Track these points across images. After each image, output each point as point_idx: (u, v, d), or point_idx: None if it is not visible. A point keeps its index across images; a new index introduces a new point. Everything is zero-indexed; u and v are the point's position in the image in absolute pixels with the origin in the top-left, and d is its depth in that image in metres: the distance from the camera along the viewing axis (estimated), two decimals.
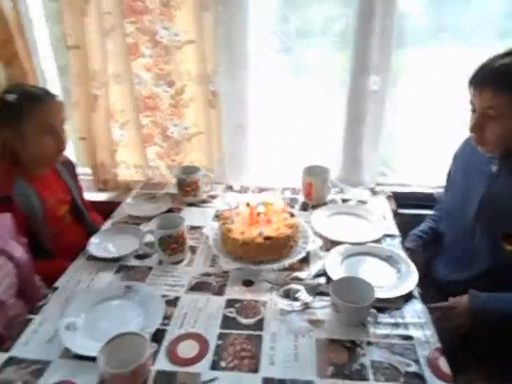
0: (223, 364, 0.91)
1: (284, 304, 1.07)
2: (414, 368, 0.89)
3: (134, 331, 0.90)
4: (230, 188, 1.61)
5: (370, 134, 1.62)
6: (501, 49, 1.08)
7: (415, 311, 1.04)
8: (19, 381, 0.87)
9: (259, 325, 1.01)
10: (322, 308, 1.06)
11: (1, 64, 1.59)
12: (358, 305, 0.97)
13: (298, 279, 1.15)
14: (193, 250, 1.29)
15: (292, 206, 1.49)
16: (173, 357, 0.93)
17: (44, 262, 1.25)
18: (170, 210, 1.49)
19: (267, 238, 1.18)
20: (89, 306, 1.06)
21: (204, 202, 1.58)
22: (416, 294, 1.10)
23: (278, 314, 1.04)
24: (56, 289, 1.14)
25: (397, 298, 1.07)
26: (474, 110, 1.10)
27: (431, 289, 1.21)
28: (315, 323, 1.02)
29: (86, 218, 1.50)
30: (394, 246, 1.29)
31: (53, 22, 1.69)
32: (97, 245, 1.30)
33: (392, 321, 1.02)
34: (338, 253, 1.23)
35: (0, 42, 1.56)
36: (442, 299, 1.19)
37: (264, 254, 1.19)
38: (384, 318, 1.02)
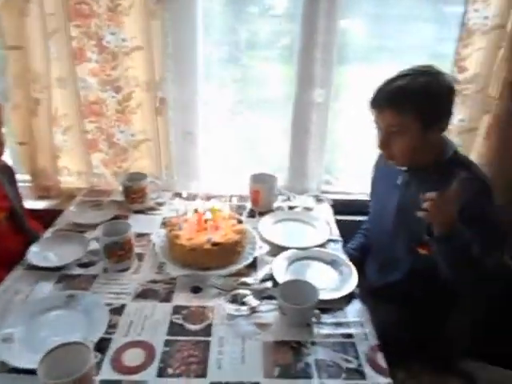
0: (170, 371, 0.91)
1: (231, 309, 1.08)
2: (354, 364, 0.94)
3: (76, 341, 0.87)
4: (177, 195, 1.60)
5: (315, 144, 1.69)
6: None
7: (356, 310, 1.10)
8: None
9: (207, 330, 1.02)
10: (268, 311, 1.08)
11: None
12: (302, 306, 1.01)
13: (246, 284, 1.17)
14: (140, 257, 1.28)
15: (240, 213, 1.52)
16: (118, 366, 0.91)
17: None
18: (115, 218, 1.46)
19: (215, 244, 1.19)
20: (27, 317, 1.01)
21: (151, 209, 1.56)
22: (357, 294, 1.15)
23: (226, 319, 1.05)
24: None
25: (340, 299, 1.12)
26: (379, 129, 1.18)
27: (363, 293, 1.29)
28: (262, 326, 1.04)
29: (26, 226, 1.43)
30: (337, 250, 1.35)
31: None
32: (37, 253, 1.24)
33: (335, 320, 1.06)
34: (285, 258, 1.27)
35: None
36: (374, 304, 1.26)
37: (212, 260, 1.20)
38: (328, 319, 1.07)
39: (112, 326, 1.01)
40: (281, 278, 1.16)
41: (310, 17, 1.47)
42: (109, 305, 1.07)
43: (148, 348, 0.96)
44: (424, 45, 1.63)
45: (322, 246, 1.36)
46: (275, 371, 0.91)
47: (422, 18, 1.61)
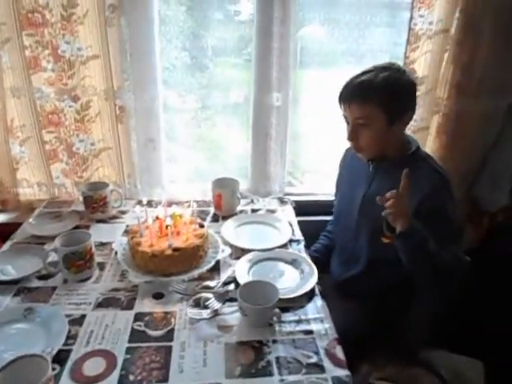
0: (131, 378, 0.90)
1: (194, 313, 1.09)
2: (314, 359, 0.96)
3: (33, 353, 0.86)
4: (140, 203, 1.59)
5: (276, 147, 1.72)
6: None
7: (316, 307, 1.13)
8: None
9: (169, 336, 1.02)
10: (231, 313, 1.10)
11: None
12: (263, 306, 1.03)
13: (209, 288, 1.18)
14: (101, 266, 1.27)
15: (203, 218, 1.53)
16: (77, 376, 0.90)
17: None
18: (77, 228, 1.44)
19: (176, 250, 1.20)
20: None
21: (114, 217, 1.55)
22: (317, 291, 1.18)
23: (188, 324, 1.06)
24: None
25: (301, 297, 1.15)
26: (348, 122, 1.25)
27: (329, 288, 1.32)
28: (224, 328, 1.05)
29: None
30: (299, 250, 1.38)
31: None
32: None
33: (296, 318, 1.09)
34: (247, 260, 1.29)
35: None
36: (338, 299, 1.29)
37: (174, 266, 1.20)
38: (289, 317, 1.09)
39: (72, 337, 0.99)
40: (243, 280, 1.17)
41: (265, 23, 1.51)
42: (69, 316, 1.06)
43: (109, 357, 0.95)
44: (383, 49, 1.71)
45: (284, 246, 1.39)
46: (236, 371, 0.93)
47: (380, 23, 1.68)
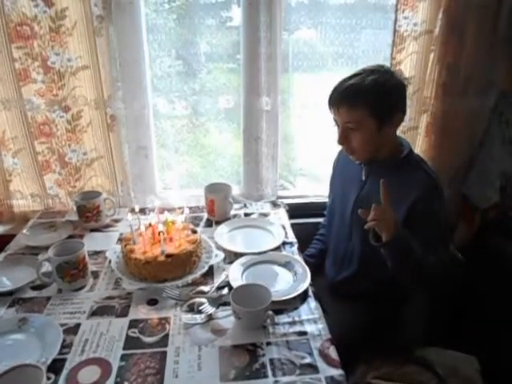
0: None
1: (188, 318, 1.10)
2: (308, 360, 0.97)
3: (28, 363, 0.87)
4: (132, 211, 1.60)
5: (268, 150, 1.73)
6: None
7: (310, 308, 1.14)
8: None
9: (164, 341, 1.03)
10: (224, 317, 1.11)
11: None
12: (256, 308, 1.03)
13: (202, 293, 1.19)
14: (95, 274, 1.27)
15: (197, 224, 1.54)
16: None
17: None
18: (71, 237, 1.45)
19: (169, 256, 1.20)
20: None
21: (108, 226, 1.56)
22: (310, 292, 1.19)
23: (182, 329, 1.07)
24: None
25: (294, 299, 1.16)
26: (338, 126, 1.26)
27: (323, 290, 1.33)
28: (218, 332, 1.06)
29: None
30: (292, 252, 1.39)
31: None
32: None
33: (289, 320, 1.10)
34: (240, 263, 1.30)
35: None
36: (333, 301, 1.30)
37: (167, 272, 1.21)
38: (282, 319, 1.10)
39: (67, 346, 1.00)
40: (236, 284, 1.18)
41: (252, 29, 1.52)
42: (63, 325, 1.06)
43: (104, 364, 0.96)
44: (378, 50, 1.72)
45: (277, 249, 1.40)
46: (231, 374, 0.94)
47: (367, 25, 1.70)
